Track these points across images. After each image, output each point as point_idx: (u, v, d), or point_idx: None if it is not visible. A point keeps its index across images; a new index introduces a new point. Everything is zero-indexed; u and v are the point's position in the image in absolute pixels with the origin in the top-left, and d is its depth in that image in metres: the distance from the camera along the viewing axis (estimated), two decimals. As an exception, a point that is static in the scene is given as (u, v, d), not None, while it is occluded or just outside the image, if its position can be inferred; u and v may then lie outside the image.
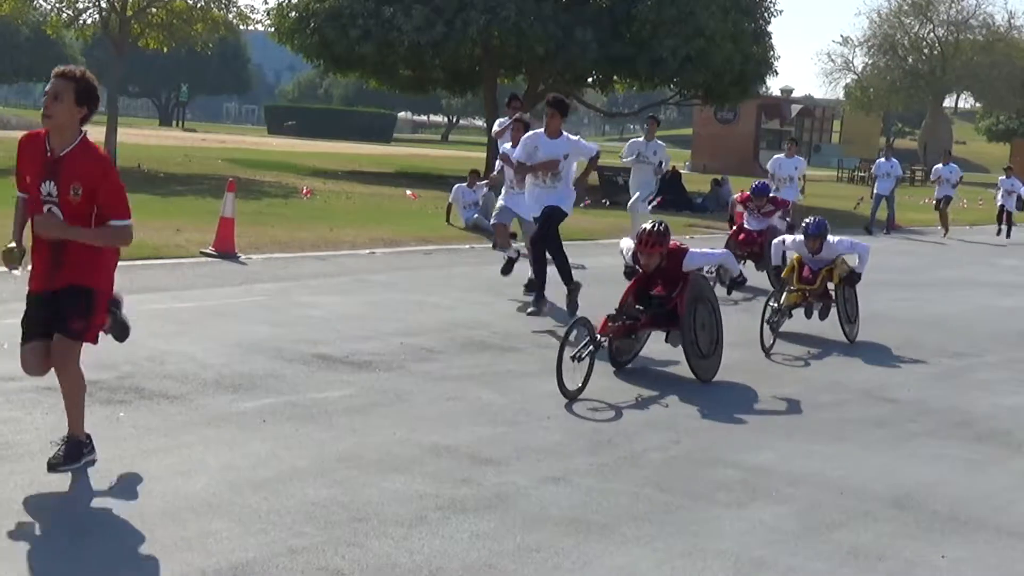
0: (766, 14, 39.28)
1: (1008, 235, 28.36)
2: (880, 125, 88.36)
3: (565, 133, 12.29)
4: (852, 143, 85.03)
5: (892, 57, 74.64)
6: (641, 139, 20.09)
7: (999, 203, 29.35)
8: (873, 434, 8.17)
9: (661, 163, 19.65)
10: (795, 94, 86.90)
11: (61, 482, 5.85)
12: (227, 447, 6.65)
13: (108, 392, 7.57)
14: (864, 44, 75.99)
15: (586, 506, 6.14)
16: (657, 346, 10.79)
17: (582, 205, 26.93)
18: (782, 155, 22.64)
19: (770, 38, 39.44)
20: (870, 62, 76.40)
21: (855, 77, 77.88)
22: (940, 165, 30.38)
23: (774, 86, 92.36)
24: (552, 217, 12.05)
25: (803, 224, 12.10)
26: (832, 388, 9.58)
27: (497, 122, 17.64)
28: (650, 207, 19.60)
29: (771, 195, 16.10)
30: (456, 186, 21.59)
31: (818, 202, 37.65)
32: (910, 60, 74.71)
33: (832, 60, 78.21)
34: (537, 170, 12.03)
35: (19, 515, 5.38)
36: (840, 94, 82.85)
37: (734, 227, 15.95)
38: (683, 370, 9.78)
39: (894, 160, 28.82)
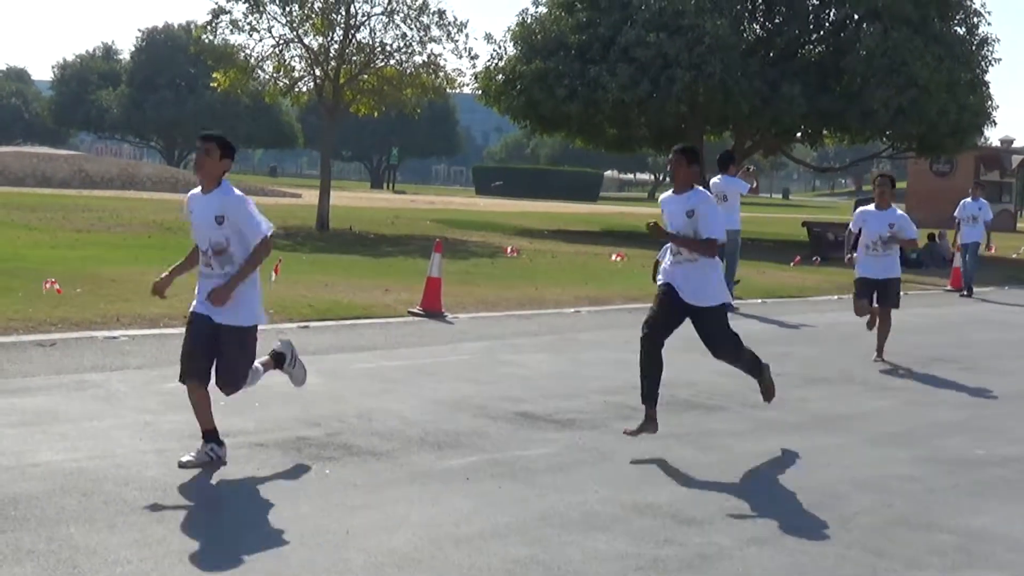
0: (983, 63, 38.16)
1: None
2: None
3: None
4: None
5: (1119, 104, 71.58)
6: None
7: None
8: (1101, 499, 7.74)
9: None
10: (1016, 144, 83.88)
11: (272, 534, 5.99)
12: (431, 503, 6.71)
13: (317, 448, 7.74)
14: (1088, 91, 73.10)
15: (791, 569, 5.97)
16: (872, 403, 10.50)
17: (791, 264, 26.55)
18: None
19: (988, 87, 38.26)
20: (1095, 109, 73.41)
21: (1079, 125, 74.90)
22: None
23: (993, 136, 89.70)
24: None
25: None
26: (1056, 450, 9.13)
27: (714, 182, 17.54)
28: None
29: None
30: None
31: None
32: None
33: (1054, 108, 75.40)
34: None
35: (232, 564, 5.52)
36: (1063, 143, 79.69)
37: None
38: (899, 429, 9.48)
39: (983, 201, 22.75)
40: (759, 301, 19.18)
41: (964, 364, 13.53)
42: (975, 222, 22.38)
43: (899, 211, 13.23)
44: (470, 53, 35.26)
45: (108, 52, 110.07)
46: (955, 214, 23.06)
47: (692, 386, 10.98)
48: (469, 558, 5.82)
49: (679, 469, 7.87)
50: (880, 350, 13.11)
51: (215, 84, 32.40)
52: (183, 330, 11.82)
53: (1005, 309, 20.81)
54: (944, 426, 9.82)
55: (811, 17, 38.41)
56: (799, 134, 41.14)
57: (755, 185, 18.40)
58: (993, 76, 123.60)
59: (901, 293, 13.42)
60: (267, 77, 32.48)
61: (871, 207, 13.18)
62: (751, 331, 15.19)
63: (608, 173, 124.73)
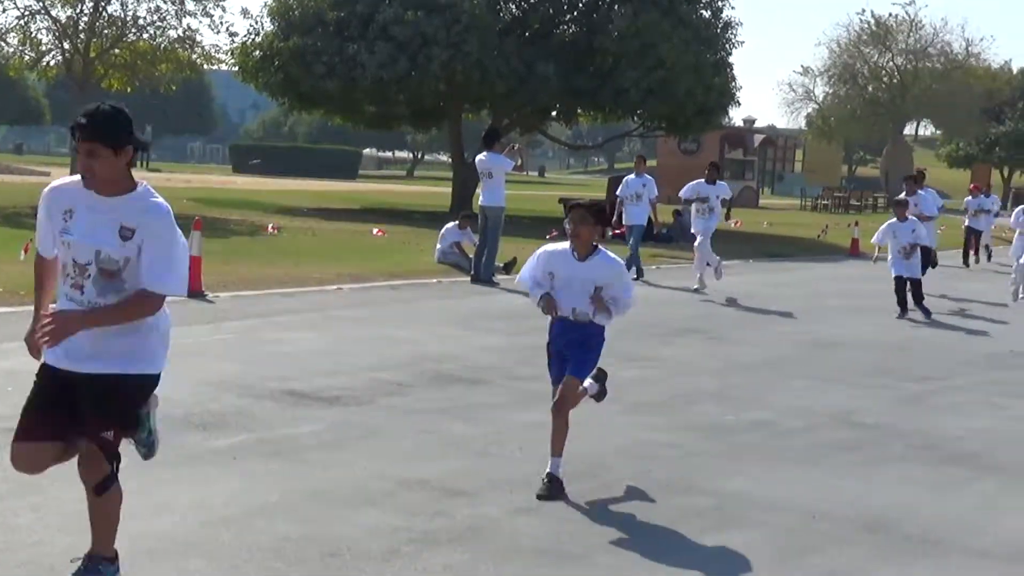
0: (727, 45, 39.57)
1: (979, 259, 28.01)
2: (842, 154, 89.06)
3: None
4: (815, 172, 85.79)
5: (852, 86, 75.34)
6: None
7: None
8: (843, 459, 8.22)
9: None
10: (758, 124, 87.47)
11: (31, 526, 5.81)
12: (198, 485, 6.63)
13: (77, 433, 7.51)
14: (824, 74, 76.67)
15: (559, 536, 6.15)
16: (628, 373, 10.82)
17: (547, 238, 27.08)
18: None
19: (732, 69, 39.72)
20: (831, 91, 77.07)
21: (816, 106, 78.52)
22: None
23: (737, 116, 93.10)
24: None
25: None
26: (802, 413, 9.63)
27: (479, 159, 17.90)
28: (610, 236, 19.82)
29: None
30: (446, 226, 21.27)
31: (782, 230, 37.96)
32: (870, 89, 75.42)
33: (793, 90, 78.88)
34: None
35: (-11, 558, 5.34)
36: (802, 123, 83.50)
37: None
38: (656, 398, 9.82)
39: (647, 176, 20.65)
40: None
41: (713, 335, 14.10)
42: (639, 200, 20.31)
43: None
44: (227, 28, 34.53)
45: None
46: (617, 192, 21.25)
47: (456, 360, 11.11)
48: (239, 538, 5.78)
49: (447, 442, 7.97)
50: None
51: (-47, 56, 30.91)
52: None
53: (749, 282, 21.70)
54: (698, 394, 10.23)
55: (565, -2, 39.09)
56: (554, 113, 41.83)
57: (520, 163, 18.68)
58: (736, 58, 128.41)
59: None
60: (11, 50, 31.11)
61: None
62: (514, 306, 15.46)
63: (367, 151, 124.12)
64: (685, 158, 67.86)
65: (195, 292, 14.47)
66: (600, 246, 7.07)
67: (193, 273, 14.59)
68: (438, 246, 20.68)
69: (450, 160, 47.47)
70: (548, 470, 6.91)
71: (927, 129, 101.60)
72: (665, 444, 8.31)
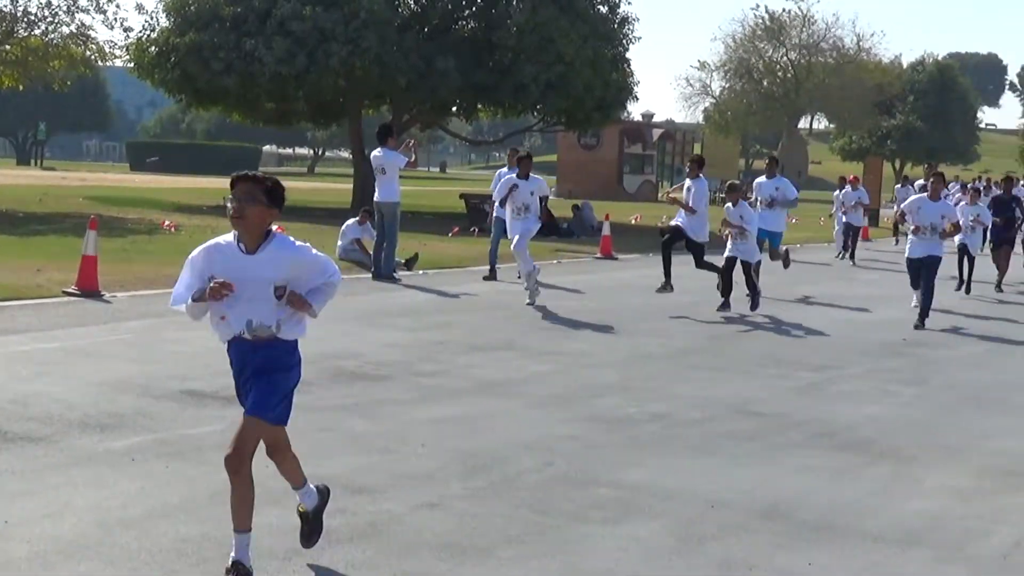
0: (625, 41, 39.90)
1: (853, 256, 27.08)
2: (739, 147, 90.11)
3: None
4: (712, 166, 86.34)
5: (748, 81, 76.38)
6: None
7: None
8: (741, 448, 8.34)
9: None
10: (656, 118, 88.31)
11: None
12: (95, 487, 6.54)
13: (-31, 437, 7.38)
14: (721, 68, 77.67)
15: (461, 530, 6.17)
16: (531, 367, 10.89)
17: (450, 235, 27.08)
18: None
19: (629, 64, 40.06)
20: (727, 86, 78.06)
21: (713, 101, 79.43)
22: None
23: (635, 111, 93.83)
24: None
25: None
26: (700, 404, 9.75)
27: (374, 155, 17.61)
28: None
29: None
30: (347, 222, 21.08)
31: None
32: (765, 83, 76.54)
33: (691, 85, 79.74)
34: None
35: None
36: (699, 118, 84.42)
37: None
38: (558, 391, 9.88)
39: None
40: (421, 272, 19.48)
41: (614, 328, 14.20)
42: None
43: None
44: (122, 24, 34.01)
45: None
46: (492, 187, 20.08)
47: (358, 357, 11.08)
48: (138, 540, 5.72)
49: (349, 440, 7.96)
50: None
51: None
52: None
53: (648, 275, 21.88)
54: (600, 387, 10.32)
55: (463, -7, 39.08)
56: (455, 108, 41.82)
57: (414, 159, 18.58)
58: (634, 53, 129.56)
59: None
60: None
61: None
62: (416, 302, 15.46)
63: (267, 148, 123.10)
64: (585, 153, 68.39)
65: (91, 292, 14.25)
66: (275, 231, 5.54)
67: (88, 272, 14.39)
68: (339, 243, 20.57)
69: (351, 156, 47.23)
70: (233, 555, 5.22)
71: (821, 122, 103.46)
72: (567, 437, 8.37)
